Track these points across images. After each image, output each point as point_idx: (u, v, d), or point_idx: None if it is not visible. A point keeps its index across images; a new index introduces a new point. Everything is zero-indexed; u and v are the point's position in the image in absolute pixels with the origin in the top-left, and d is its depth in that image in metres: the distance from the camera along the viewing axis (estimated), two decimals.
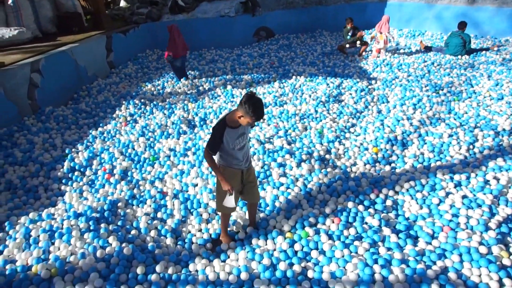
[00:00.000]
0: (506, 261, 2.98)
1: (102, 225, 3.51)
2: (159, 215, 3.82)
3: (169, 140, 5.18)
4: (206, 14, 10.53)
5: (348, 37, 9.07)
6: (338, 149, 4.77)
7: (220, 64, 8.78)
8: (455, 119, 5.47)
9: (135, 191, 4.19)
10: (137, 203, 4.02)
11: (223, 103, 6.48)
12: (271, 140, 5.00)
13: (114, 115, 6.11)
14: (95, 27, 9.08)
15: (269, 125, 5.52)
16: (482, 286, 2.79)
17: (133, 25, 9.90)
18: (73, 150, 5.01)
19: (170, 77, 7.92)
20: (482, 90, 6.57)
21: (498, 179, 4.04)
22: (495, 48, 8.86)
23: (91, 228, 3.47)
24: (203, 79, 7.78)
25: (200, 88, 7.31)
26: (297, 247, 3.28)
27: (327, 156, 4.59)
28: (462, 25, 8.56)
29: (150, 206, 3.94)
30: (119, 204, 3.94)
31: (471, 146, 4.71)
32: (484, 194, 3.81)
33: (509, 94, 6.31)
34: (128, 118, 5.99)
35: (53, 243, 3.31)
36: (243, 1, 10.63)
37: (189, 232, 3.66)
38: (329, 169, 4.27)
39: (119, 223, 3.64)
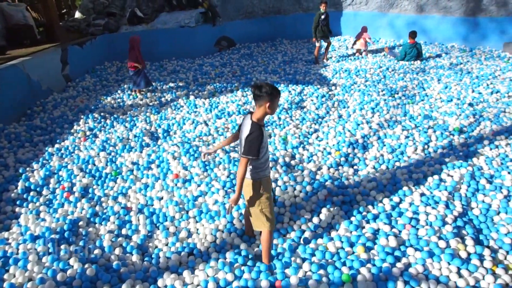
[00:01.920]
0: (462, 253, 3.16)
1: (62, 247, 3.33)
2: (123, 231, 3.69)
3: (131, 153, 5.05)
4: (166, 24, 10.43)
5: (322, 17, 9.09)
6: (303, 155, 4.86)
7: (182, 75, 8.70)
8: (410, 121, 5.76)
9: (97, 208, 4.03)
10: (100, 220, 3.86)
11: (186, 114, 6.41)
12: (236, 149, 5.01)
13: (72, 130, 5.86)
14: (48, 40, 8.71)
15: None
16: (443, 278, 2.93)
17: (90, 37, 9.60)
18: (27, 169, 4.74)
19: (130, 88, 7.74)
20: (433, 93, 6.98)
21: (451, 176, 4.28)
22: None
23: (50, 250, 3.29)
24: (165, 90, 7.67)
25: (162, 99, 7.20)
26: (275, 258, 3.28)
27: (292, 162, 4.65)
28: (415, 35, 9.04)
29: (114, 223, 3.80)
30: (80, 223, 3.76)
31: (426, 146, 4.97)
32: (440, 191, 4.03)
33: (457, 96, 6.74)
34: (87, 133, 5.78)
35: (7, 270, 3.10)
36: (203, 12, 10.65)
37: (156, 247, 3.57)
38: (295, 174, 4.33)
39: (81, 243, 3.48)
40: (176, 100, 7.12)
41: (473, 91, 6.94)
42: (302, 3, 12.26)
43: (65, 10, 13.30)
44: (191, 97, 7.12)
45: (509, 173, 4.30)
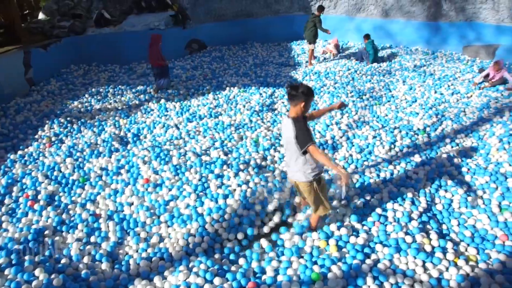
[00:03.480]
0: (427, 247, 3.30)
1: (27, 257, 3.20)
2: (92, 239, 3.59)
3: (100, 159, 4.91)
4: (135, 27, 10.25)
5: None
6: (274, 156, 4.91)
7: (151, 78, 8.57)
8: (377, 122, 5.95)
9: (63, 216, 3.90)
10: (67, 229, 3.74)
11: (157, 117, 6.32)
12: (208, 152, 4.99)
13: (36, 136, 5.64)
14: (10, 42, 8.35)
15: (205, 137, 5.50)
16: (409, 272, 3.04)
17: (55, 39, 9.28)
18: None
19: (96, 92, 7.54)
20: (399, 94, 7.24)
21: (417, 173, 4.46)
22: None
23: (13, 262, 3.15)
24: (135, 93, 7.53)
25: (132, 103, 7.06)
26: (241, 261, 3.30)
27: (264, 163, 4.69)
28: (368, 37, 9.52)
29: (82, 230, 3.69)
30: (46, 232, 3.63)
31: (392, 146, 5.15)
32: (406, 188, 4.19)
33: (421, 97, 7.03)
34: (53, 139, 5.58)
35: None
36: (173, 14, 10.55)
37: (127, 253, 3.49)
38: (266, 174, 4.37)
39: (47, 253, 3.35)
40: (146, 104, 7.01)
41: (435, 92, 7.26)
42: (272, 7, 12.39)
43: (27, 11, 12.78)
44: (162, 101, 7.03)
45: (468, 169, 4.54)
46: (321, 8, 9.21)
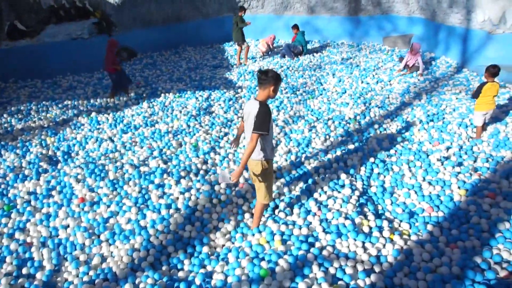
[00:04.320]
0: (365, 229, 3.51)
1: None
2: (24, 271, 3.30)
3: (26, 182, 4.53)
4: (56, 37, 9.57)
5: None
6: (215, 159, 4.89)
7: (79, 91, 8.09)
8: (312, 115, 6.19)
9: None
10: None
11: (88, 132, 5.98)
12: (146, 162, 4.83)
13: None
14: None
15: (142, 147, 5.32)
16: (351, 254, 3.21)
17: None
18: None
19: (16, 110, 6.94)
20: (330, 87, 7.60)
21: (352, 159, 4.72)
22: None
23: None
24: (62, 108, 7.05)
25: (59, 119, 6.60)
26: (195, 267, 3.25)
27: (204, 167, 4.65)
28: (297, 27, 10.20)
29: (12, 263, 3.37)
30: None
31: (327, 136, 5.39)
32: (345, 174, 4.41)
33: (350, 88, 7.45)
34: None
35: None
36: (96, 22, 10.03)
37: (66, 280, 3.26)
38: (206, 177, 4.34)
39: None
40: (75, 119, 6.59)
41: (362, 82, 7.73)
42: (201, 10, 12.30)
43: None
44: (93, 114, 6.65)
45: (395, 151, 4.90)
46: (242, 9, 9.52)
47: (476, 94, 4.93)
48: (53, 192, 4.32)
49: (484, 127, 5.17)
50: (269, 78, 3.02)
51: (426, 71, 8.25)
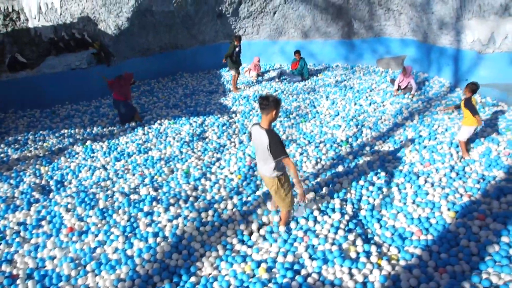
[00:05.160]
0: (353, 254, 3.45)
1: None
2: None
3: (17, 213, 4.54)
4: (55, 68, 9.80)
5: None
6: (205, 185, 4.89)
7: (76, 119, 8.21)
8: (304, 138, 6.21)
9: None
10: None
11: (82, 160, 6.03)
12: (137, 190, 4.84)
13: None
14: None
15: (134, 174, 5.34)
16: (337, 281, 3.15)
17: None
18: None
19: (13, 140, 7.03)
20: (323, 109, 7.66)
21: (341, 183, 4.70)
22: None
23: None
24: (58, 138, 7.14)
25: (55, 148, 6.67)
26: None
27: (194, 194, 4.64)
28: (300, 53, 10.18)
29: None
30: None
31: (318, 160, 5.39)
32: (334, 199, 4.38)
33: (343, 110, 7.50)
34: None
35: None
36: (95, 52, 10.29)
37: None
38: (196, 204, 4.33)
39: None
40: (70, 147, 6.66)
41: (355, 104, 7.80)
42: (197, 37, 12.60)
43: None
44: (88, 142, 6.73)
45: (386, 173, 4.89)
46: (237, 38, 9.26)
47: (475, 110, 4.96)
48: (43, 222, 4.32)
49: (468, 142, 5.23)
50: (270, 103, 3.20)
51: (419, 91, 8.32)
